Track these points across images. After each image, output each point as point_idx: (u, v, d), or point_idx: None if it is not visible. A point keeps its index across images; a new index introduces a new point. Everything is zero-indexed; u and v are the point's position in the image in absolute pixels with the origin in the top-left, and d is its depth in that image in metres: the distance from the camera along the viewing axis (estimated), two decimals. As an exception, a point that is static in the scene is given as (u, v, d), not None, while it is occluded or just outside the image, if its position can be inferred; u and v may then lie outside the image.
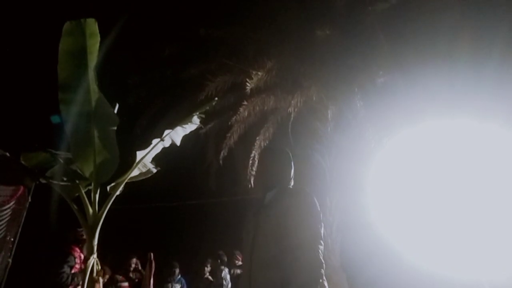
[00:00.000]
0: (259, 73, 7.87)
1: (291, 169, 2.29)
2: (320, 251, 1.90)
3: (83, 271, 2.91)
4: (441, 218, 7.25)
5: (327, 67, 8.22)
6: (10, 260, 5.07)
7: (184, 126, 3.64)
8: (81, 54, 2.93)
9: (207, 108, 3.90)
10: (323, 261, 1.89)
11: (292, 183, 2.26)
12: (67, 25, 2.86)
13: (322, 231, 1.99)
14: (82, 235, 4.46)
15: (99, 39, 2.93)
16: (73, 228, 4.53)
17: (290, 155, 2.33)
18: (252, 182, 8.84)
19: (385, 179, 7.84)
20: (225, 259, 7.05)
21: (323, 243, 1.94)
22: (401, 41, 7.63)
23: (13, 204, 5.01)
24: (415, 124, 7.53)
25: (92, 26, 2.89)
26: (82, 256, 4.46)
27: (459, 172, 7.17)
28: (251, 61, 8.25)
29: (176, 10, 10.04)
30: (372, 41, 7.84)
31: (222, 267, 6.88)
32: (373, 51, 7.92)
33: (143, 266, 6.13)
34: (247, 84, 7.74)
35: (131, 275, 6.04)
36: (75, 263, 4.33)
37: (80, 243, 4.46)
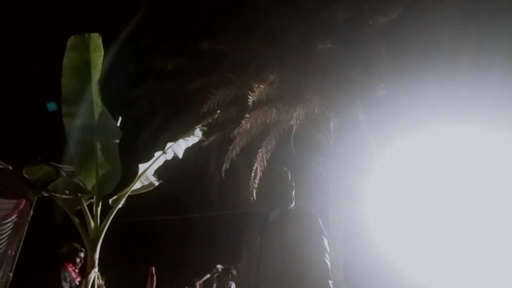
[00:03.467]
0: (261, 86, 7.91)
1: (293, 189, 2.40)
2: (327, 265, 2.01)
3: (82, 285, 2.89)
4: (445, 231, 7.19)
5: (328, 79, 8.25)
6: (11, 274, 5.04)
7: (186, 138, 3.64)
8: (85, 68, 2.96)
9: (210, 120, 3.91)
10: (331, 274, 2.00)
11: (293, 203, 2.35)
12: (71, 40, 2.89)
13: (327, 246, 2.09)
14: (69, 249, 4.44)
15: (103, 53, 2.96)
16: (64, 244, 4.51)
17: (290, 175, 2.43)
18: (254, 195, 8.81)
19: (388, 191, 7.80)
20: (235, 272, 6.97)
21: (329, 257, 2.04)
22: (402, 53, 7.68)
23: (15, 217, 5.00)
24: (417, 136, 7.53)
25: (96, 40, 2.92)
26: (77, 270, 4.43)
27: (463, 182, 7.13)
28: (253, 74, 8.30)
29: (179, 24, 10.17)
30: (373, 53, 7.88)
31: (231, 282, 6.78)
32: (374, 64, 7.96)
33: (145, 280, 6.07)
34: (249, 97, 7.77)
35: None
36: (71, 278, 4.29)
37: (70, 258, 4.42)
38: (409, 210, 7.54)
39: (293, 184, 2.41)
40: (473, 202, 7.04)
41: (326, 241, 2.11)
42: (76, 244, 4.36)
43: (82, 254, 4.34)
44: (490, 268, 6.69)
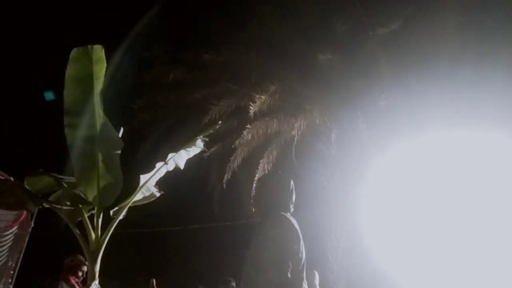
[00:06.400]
0: (262, 96, 7.95)
1: (283, 194, 2.16)
2: (287, 275, 1.85)
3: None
4: (448, 241, 7.12)
5: (329, 90, 8.29)
6: (11, 287, 4.99)
7: (188, 149, 3.64)
8: (87, 79, 2.98)
9: (211, 131, 3.91)
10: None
11: (288, 209, 2.13)
12: (74, 52, 2.91)
13: (296, 255, 1.93)
14: (73, 261, 4.40)
15: (105, 65, 2.98)
16: (67, 255, 4.47)
17: (286, 179, 2.22)
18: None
19: (390, 200, 7.76)
20: (234, 285, 6.92)
21: (294, 269, 1.88)
22: (402, 64, 7.72)
23: (15, 229, 4.98)
24: (418, 145, 7.53)
25: (99, 52, 2.94)
26: (79, 282, 4.38)
27: (468, 191, 7.08)
28: (254, 85, 8.34)
29: (181, 35, 10.26)
30: (373, 64, 7.93)
31: None
32: (375, 74, 8.00)
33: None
34: (251, 107, 7.80)
35: None
36: None
37: (73, 270, 4.38)
38: (412, 219, 7.48)
39: (288, 190, 2.16)
40: (477, 208, 6.98)
41: (293, 265, 1.87)
42: (81, 257, 4.32)
43: (85, 268, 4.30)
44: (491, 273, 6.60)
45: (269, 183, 2.27)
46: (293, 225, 2.01)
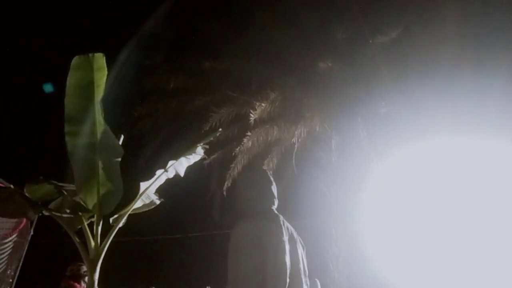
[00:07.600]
0: (263, 104, 7.97)
1: (249, 192, 2.02)
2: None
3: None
4: (449, 248, 7.09)
5: (330, 98, 8.31)
6: (9, 295, 4.96)
7: (188, 157, 3.63)
8: (88, 87, 2.99)
9: (211, 139, 3.91)
10: None
11: (260, 211, 1.97)
12: (75, 60, 2.93)
13: (257, 263, 1.78)
14: (79, 270, 4.38)
15: (106, 72, 2.99)
16: (70, 263, 4.45)
17: (255, 174, 2.11)
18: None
19: (391, 208, 7.74)
20: None
21: (257, 276, 1.76)
22: (402, 71, 7.75)
23: (15, 237, 4.96)
24: (419, 152, 7.53)
25: (100, 60, 2.96)
26: None
27: (467, 198, 7.07)
28: (254, 93, 8.37)
29: (181, 43, 10.32)
30: (373, 72, 7.96)
31: None
32: (375, 82, 8.03)
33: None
34: (251, 115, 7.82)
35: None
36: None
37: (77, 278, 4.36)
38: (413, 225, 7.45)
39: (255, 184, 2.01)
40: (477, 214, 6.97)
41: (264, 276, 1.71)
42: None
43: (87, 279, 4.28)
44: (491, 277, 6.55)
45: (240, 183, 2.13)
46: (248, 233, 1.84)
